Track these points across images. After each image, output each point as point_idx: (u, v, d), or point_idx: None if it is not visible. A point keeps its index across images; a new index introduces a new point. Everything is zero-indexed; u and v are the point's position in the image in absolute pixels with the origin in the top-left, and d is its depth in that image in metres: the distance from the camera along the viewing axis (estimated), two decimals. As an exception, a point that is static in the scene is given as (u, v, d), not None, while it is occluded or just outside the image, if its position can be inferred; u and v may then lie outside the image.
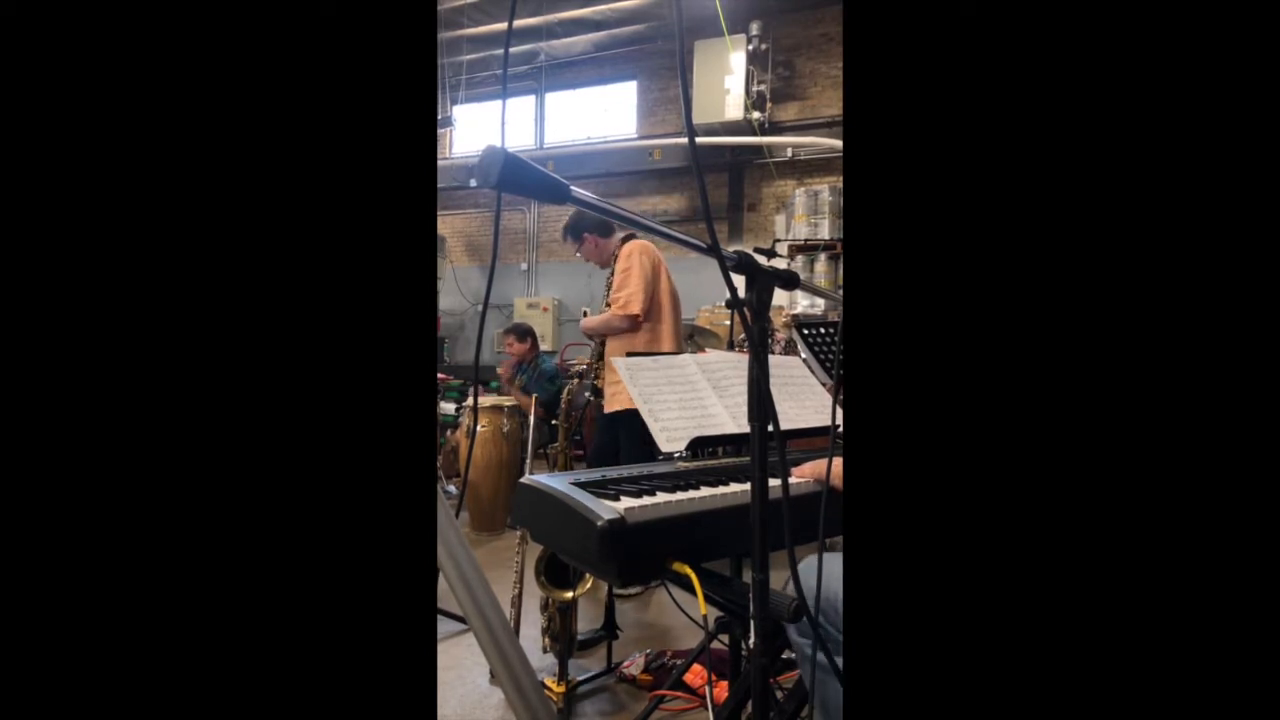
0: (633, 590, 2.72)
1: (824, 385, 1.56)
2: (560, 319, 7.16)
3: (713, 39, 5.96)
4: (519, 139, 7.52)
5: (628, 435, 2.65)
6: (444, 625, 2.28)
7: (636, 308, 2.61)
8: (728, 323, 4.24)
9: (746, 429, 0.80)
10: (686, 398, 1.32)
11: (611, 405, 2.67)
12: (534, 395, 2.88)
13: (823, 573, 0.92)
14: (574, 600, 1.92)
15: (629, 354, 1.66)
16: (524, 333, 4.53)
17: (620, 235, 2.83)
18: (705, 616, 0.92)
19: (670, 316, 2.73)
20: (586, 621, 2.25)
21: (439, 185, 6.98)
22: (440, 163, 7.15)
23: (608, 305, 2.73)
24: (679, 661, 1.97)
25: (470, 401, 4.20)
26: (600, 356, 2.77)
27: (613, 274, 2.74)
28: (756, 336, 0.79)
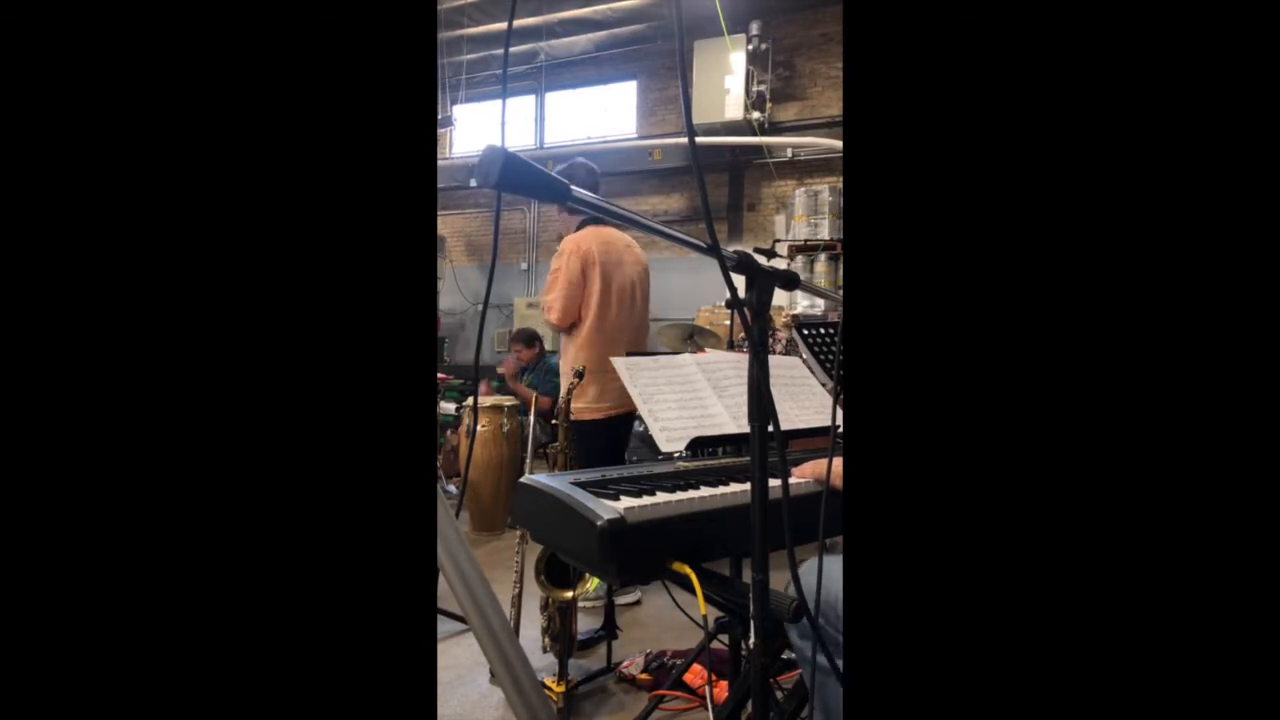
0: (630, 597, 2.71)
1: (824, 385, 1.56)
2: (560, 319, 7.15)
3: (713, 39, 5.96)
4: (519, 139, 7.51)
5: (579, 442, 2.36)
6: (444, 625, 2.27)
7: (554, 316, 2.46)
8: (728, 323, 4.24)
9: (746, 429, 0.80)
10: (686, 398, 1.32)
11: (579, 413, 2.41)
12: (536, 391, 2.88)
13: (823, 574, 0.92)
14: (574, 600, 1.92)
15: (629, 353, 1.65)
16: (530, 338, 4.67)
17: (579, 219, 2.59)
18: (705, 616, 0.92)
19: (596, 316, 2.46)
20: (586, 621, 2.25)
21: (439, 185, 6.98)
22: (440, 163, 7.15)
23: None
24: (679, 661, 1.97)
25: (470, 401, 4.21)
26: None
27: None
28: (756, 336, 0.79)
